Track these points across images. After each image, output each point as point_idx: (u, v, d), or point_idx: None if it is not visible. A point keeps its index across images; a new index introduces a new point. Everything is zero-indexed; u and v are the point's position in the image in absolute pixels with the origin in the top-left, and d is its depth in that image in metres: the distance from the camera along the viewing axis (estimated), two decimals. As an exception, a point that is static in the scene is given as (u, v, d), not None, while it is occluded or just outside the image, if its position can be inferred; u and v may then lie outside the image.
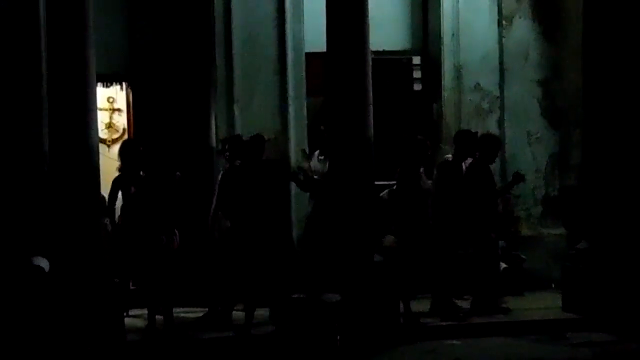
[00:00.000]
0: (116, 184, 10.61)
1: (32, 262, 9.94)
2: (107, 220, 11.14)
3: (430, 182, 10.93)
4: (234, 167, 10.72)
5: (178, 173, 10.50)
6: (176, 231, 10.36)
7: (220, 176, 10.86)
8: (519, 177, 11.31)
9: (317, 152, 11.46)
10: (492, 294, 11.01)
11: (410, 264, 10.48)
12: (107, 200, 10.57)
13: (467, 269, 10.88)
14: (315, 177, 11.33)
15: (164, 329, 10.25)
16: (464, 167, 11.02)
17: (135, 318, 10.64)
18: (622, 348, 9.88)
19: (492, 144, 11.14)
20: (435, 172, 11.00)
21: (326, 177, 11.00)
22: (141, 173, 10.50)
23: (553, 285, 12.06)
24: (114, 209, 10.66)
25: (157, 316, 10.34)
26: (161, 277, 10.19)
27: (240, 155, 10.66)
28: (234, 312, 10.61)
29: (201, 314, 10.88)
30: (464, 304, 11.03)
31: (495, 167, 12.13)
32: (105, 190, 10.56)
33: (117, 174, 10.78)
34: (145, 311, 10.42)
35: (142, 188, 10.37)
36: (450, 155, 11.11)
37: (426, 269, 10.56)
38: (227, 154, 10.81)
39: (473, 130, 11.58)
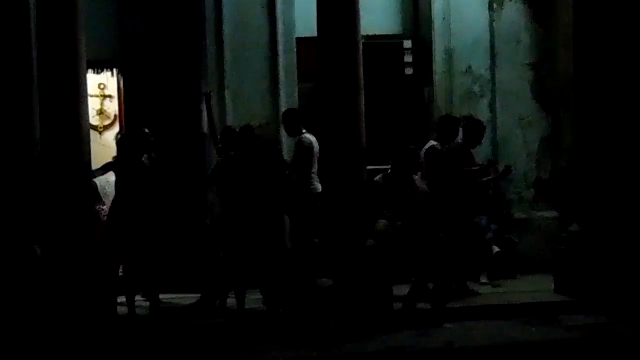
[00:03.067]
0: (108, 167, 10.57)
1: (26, 245, 9.95)
2: (102, 206, 11.16)
3: (425, 184, 10.87)
4: (228, 158, 10.73)
5: (153, 154, 10.49)
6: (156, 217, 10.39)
7: (214, 167, 10.87)
8: (508, 170, 11.37)
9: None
10: (465, 278, 11.07)
11: (404, 248, 10.48)
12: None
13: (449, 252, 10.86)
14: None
15: (151, 314, 10.26)
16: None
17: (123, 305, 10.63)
18: (614, 330, 9.91)
19: (475, 128, 11.14)
20: (423, 159, 10.99)
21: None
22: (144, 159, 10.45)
23: None
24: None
25: (146, 302, 10.38)
26: (152, 259, 10.19)
27: (233, 146, 10.67)
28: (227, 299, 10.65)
29: (194, 301, 10.91)
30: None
31: (487, 151, 12.19)
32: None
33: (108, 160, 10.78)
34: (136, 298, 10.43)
35: (136, 173, 10.35)
36: (435, 142, 11.09)
37: (418, 254, 10.57)
38: (220, 145, 10.82)
39: (465, 114, 11.61)
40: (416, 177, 10.75)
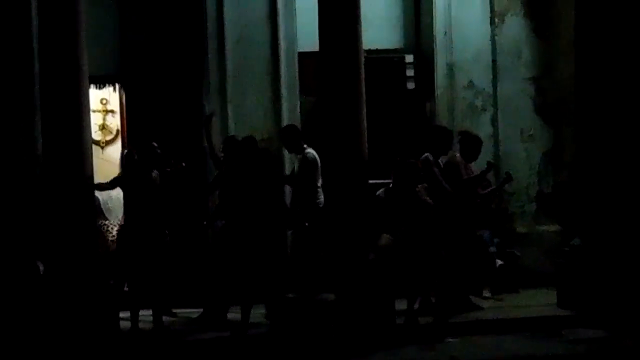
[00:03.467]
0: (115, 182, 10.57)
1: (29, 261, 9.95)
2: (104, 221, 11.15)
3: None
4: (229, 168, 10.74)
5: (168, 169, 10.51)
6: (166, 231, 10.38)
7: (214, 177, 10.88)
8: (509, 178, 11.34)
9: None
10: (467, 292, 11.05)
11: (407, 262, 10.47)
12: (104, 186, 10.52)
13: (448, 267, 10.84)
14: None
15: (155, 329, 10.25)
16: (441, 164, 11.04)
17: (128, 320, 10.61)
18: (617, 344, 9.89)
19: (471, 143, 11.14)
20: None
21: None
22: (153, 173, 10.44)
23: None
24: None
25: (150, 316, 10.36)
26: (161, 274, 10.19)
27: (235, 156, 10.68)
28: (228, 312, 10.62)
29: (196, 315, 10.89)
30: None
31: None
32: (98, 191, 10.54)
33: (111, 176, 10.77)
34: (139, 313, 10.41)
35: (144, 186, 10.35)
36: (427, 153, 11.08)
37: (418, 268, 10.56)
38: (222, 155, 10.83)
39: (464, 129, 11.63)
40: (418, 189, 10.74)
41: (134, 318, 10.22)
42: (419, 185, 10.70)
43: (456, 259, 10.71)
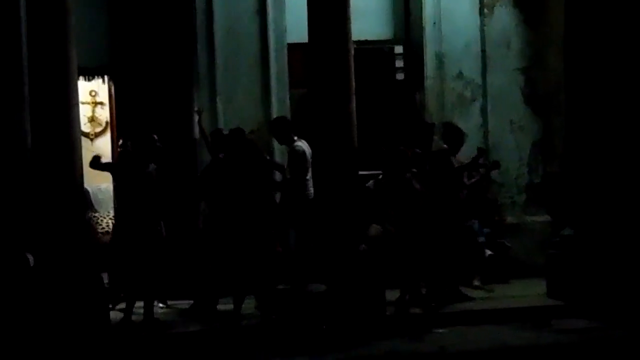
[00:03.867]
0: (110, 167, 10.55)
1: (19, 253, 9.94)
2: (94, 213, 11.15)
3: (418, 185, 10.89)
4: (217, 160, 10.75)
5: (153, 165, 10.50)
6: (161, 222, 10.37)
7: (203, 168, 10.88)
8: (495, 164, 11.47)
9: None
10: (457, 282, 11.07)
11: (397, 252, 10.49)
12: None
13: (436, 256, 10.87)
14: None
15: (145, 321, 10.25)
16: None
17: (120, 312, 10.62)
18: (606, 334, 9.92)
19: (453, 135, 11.15)
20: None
21: None
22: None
23: None
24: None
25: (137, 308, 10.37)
26: (154, 267, 10.19)
27: (222, 149, 10.69)
28: (218, 304, 10.64)
29: (187, 306, 10.90)
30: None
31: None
32: (88, 183, 10.52)
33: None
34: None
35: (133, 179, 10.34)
36: (446, 146, 11.12)
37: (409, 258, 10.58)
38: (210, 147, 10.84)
39: (450, 120, 11.69)
40: (408, 176, 10.75)
41: (128, 310, 10.22)
42: (408, 174, 10.73)
43: (446, 248, 10.72)
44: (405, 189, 10.61)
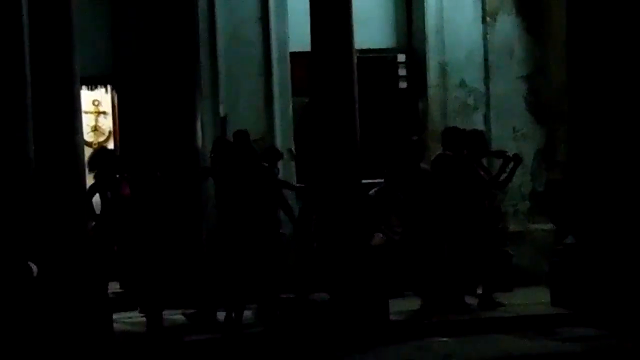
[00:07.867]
0: (92, 190, 10.64)
1: (22, 263, 9.94)
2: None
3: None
4: (221, 168, 10.72)
5: (158, 173, 10.51)
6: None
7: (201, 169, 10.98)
8: (518, 160, 11.32)
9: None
10: (463, 291, 11.07)
11: (400, 261, 10.49)
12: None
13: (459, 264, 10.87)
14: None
15: (150, 330, 10.24)
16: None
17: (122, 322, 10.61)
18: (610, 343, 9.88)
19: (479, 140, 11.17)
20: (431, 167, 11.00)
21: None
22: (117, 176, 10.50)
23: None
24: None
25: (144, 317, 10.35)
26: (159, 276, 10.20)
27: (226, 156, 10.66)
28: (218, 313, 10.62)
29: (181, 314, 10.88)
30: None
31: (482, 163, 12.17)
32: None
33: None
34: (132, 314, 10.40)
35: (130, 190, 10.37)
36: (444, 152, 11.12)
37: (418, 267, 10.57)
38: (212, 155, 10.81)
39: (460, 127, 11.63)
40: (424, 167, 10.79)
41: (156, 319, 10.22)
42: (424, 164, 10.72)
43: (462, 256, 10.73)
44: (420, 179, 10.58)
